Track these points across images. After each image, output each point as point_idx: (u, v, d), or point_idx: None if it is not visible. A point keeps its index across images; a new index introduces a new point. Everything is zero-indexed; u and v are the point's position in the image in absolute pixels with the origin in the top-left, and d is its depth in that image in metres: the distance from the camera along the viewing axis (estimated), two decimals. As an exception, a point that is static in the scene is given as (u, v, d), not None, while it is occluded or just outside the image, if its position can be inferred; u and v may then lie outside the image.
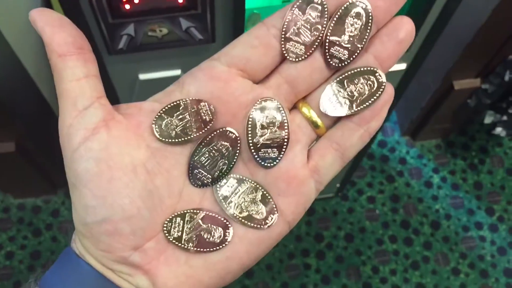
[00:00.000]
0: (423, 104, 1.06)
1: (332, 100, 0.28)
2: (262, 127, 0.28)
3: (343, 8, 0.27)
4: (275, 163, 0.28)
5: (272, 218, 0.27)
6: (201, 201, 0.28)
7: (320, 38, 0.27)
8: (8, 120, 0.83)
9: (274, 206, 0.28)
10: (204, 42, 0.59)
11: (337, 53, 0.27)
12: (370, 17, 0.27)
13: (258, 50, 0.27)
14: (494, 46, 0.89)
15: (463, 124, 1.16)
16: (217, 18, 0.57)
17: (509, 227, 1.13)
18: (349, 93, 0.27)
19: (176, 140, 0.27)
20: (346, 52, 0.27)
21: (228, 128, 0.28)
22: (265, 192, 0.28)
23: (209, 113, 0.27)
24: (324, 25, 0.27)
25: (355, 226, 1.13)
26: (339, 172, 0.29)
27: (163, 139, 0.27)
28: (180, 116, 0.27)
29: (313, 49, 0.27)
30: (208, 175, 0.28)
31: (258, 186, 0.28)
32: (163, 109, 0.27)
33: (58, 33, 0.25)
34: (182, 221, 0.27)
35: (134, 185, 0.26)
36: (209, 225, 0.27)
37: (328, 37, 0.27)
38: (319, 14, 0.28)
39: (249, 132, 0.28)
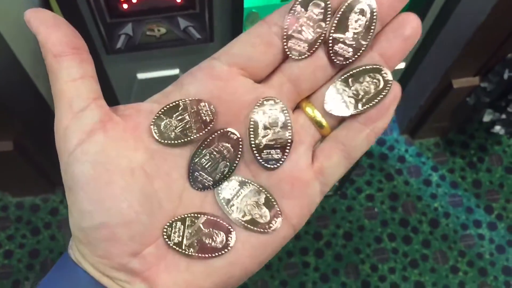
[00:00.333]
0: (422, 103, 1.06)
1: (337, 99, 0.27)
2: (265, 127, 0.27)
3: (346, 4, 0.26)
4: (278, 164, 0.27)
5: (276, 222, 0.27)
6: (202, 204, 0.27)
7: (323, 35, 0.26)
8: (6, 118, 0.83)
9: (278, 209, 0.27)
10: (203, 42, 0.59)
11: (341, 50, 0.27)
12: (375, 14, 0.26)
13: (260, 49, 0.27)
14: (493, 45, 0.89)
15: (462, 123, 1.16)
16: (215, 17, 0.56)
17: (507, 225, 1.13)
18: (354, 92, 0.27)
19: (176, 141, 0.26)
20: (350, 49, 0.26)
21: (229, 129, 0.27)
22: (268, 195, 0.27)
23: (210, 113, 0.26)
24: (327, 22, 0.27)
25: (354, 225, 1.13)
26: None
27: (162, 141, 0.26)
28: (180, 117, 0.26)
29: (316, 46, 0.27)
30: (209, 178, 0.27)
31: (261, 188, 0.27)
32: (162, 110, 0.26)
33: (53, 33, 0.24)
34: (182, 226, 0.26)
35: (132, 189, 0.25)
36: (211, 229, 0.26)
37: (331, 34, 0.27)
38: (322, 10, 0.27)
39: (251, 133, 0.27)
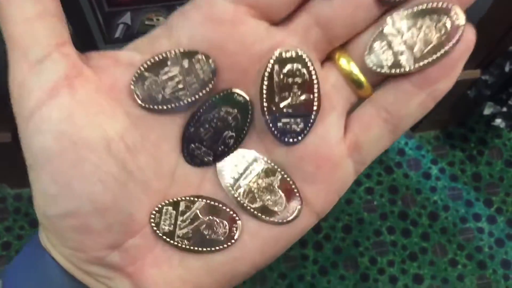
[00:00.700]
0: (422, 95, 1.05)
1: (384, 50, 0.20)
2: (283, 88, 0.20)
3: None
4: (299, 138, 0.21)
5: (294, 211, 0.21)
6: (200, 185, 0.22)
7: None
8: (4, 110, 0.82)
9: (298, 195, 0.21)
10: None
11: None
12: None
13: None
14: (495, 37, 0.88)
15: (463, 116, 1.15)
16: (215, 7, 0.56)
17: (507, 219, 1.13)
18: (409, 41, 0.19)
19: (164, 107, 0.20)
20: None
21: (235, 90, 0.21)
22: (285, 176, 0.21)
23: (208, 69, 0.20)
24: None
25: (353, 217, 1.12)
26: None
27: (147, 106, 0.20)
28: (169, 74, 0.20)
29: None
30: (209, 152, 0.21)
31: (276, 167, 0.21)
32: (145, 65, 0.20)
33: None
34: (174, 212, 0.21)
35: (108, 168, 0.20)
36: (211, 217, 0.21)
37: None
38: None
39: (265, 95, 0.20)
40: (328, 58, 0.21)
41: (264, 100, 0.21)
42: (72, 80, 0.19)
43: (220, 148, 0.21)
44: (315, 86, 0.20)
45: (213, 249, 0.21)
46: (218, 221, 0.21)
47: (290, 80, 0.20)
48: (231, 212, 0.21)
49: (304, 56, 0.20)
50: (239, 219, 0.21)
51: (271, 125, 0.21)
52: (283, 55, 0.20)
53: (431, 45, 0.19)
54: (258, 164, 0.21)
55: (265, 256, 0.22)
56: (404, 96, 0.20)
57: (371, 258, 1.10)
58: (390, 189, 1.15)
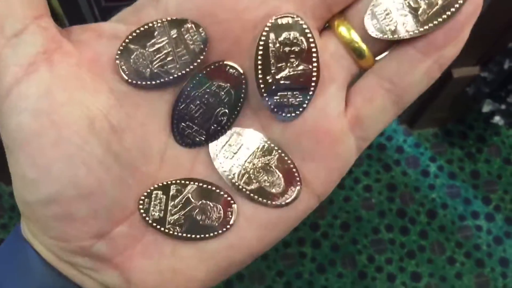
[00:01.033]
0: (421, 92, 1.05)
1: (385, 15, 0.18)
2: (279, 58, 0.19)
3: None
4: (297, 112, 0.20)
5: (293, 192, 0.20)
6: (192, 167, 0.20)
7: None
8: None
9: (296, 175, 0.20)
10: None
11: None
12: None
13: None
14: (494, 34, 0.88)
15: (461, 113, 1.15)
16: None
17: (505, 217, 1.13)
18: (412, 3, 0.18)
19: (152, 82, 0.19)
20: None
21: (227, 62, 0.20)
22: (283, 155, 0.20)
23: (199, 39, 0.19)
24: None
25: (351, 215, 1.12)
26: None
27: (133, 81, 0.19)
28: (156, 46, 0.19)
29: None
30: (201, 131, 0.20)
31: (273, 146, 0.20)
32: (130, 37, 0.19)
33: None
34: (165, 197, 0.20)
35: (91, 149, 0.18)
36: (204, 201, 0.20)
37: None
38: None
39: (260, 67, 0.19)
40: (326, 27, 0.20)
41: (259, 71, 0.19)
42: (51, 54, 0.18)
43: (212, 127, 0.20)
44: (314, 55, 0.19)
45: (207, 235, 0.20)
46: (212, 205, 0.20)
47: (287, 49, 0.19)
48: (226, 195, 0.20)
49: (302, 22, 0.19)
50: (234, 203, 0.20)
51: (267, 99, 0.19)
52: (279, 21, 0.19)
53: (436, 7, 0.18)
54: (253, 142, 0.20)
55: (263, 243, 0.20)
56: (408, 64, 0.19)
57: (369, 256, 1.10)
58: (388, 187, 1.15)
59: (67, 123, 0.18)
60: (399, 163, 1.17)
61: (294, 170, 0.20)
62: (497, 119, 1.01)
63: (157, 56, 0.19)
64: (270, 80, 0.19)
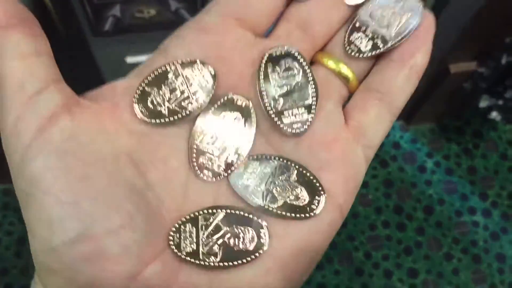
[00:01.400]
0: (418, 88, 1.04)
1: (361, 38, 0.22)
2: (280, 83, 0.21)
3: None
4: (306, 127, 0.21)
5: (319, 202, 0.20)
6: (216, 198, 0.21)
7: None
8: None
9: (318, 185, 0.20)
10: (195, 24, 0.57)
11: None
12: None
13: None
14: (491, 29, 0.87)
15: (458, 108, 1.15)
16: (208, -2, 0.54)
17: (502, 212, 1.13)
18: (380, 26, 0.22)
19: (171, 118, 0.20)
20: None
21: (235, 96, 0.21)
22: (301, 169, 0.21)
23: (209, 75, 0.21)
24: None
25: (348, 212, 1.12)
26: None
27: (152, 120, 0.20)
28: (171, 86, 0.21)
29: None
30: (219, 162, 0.21)
31: (289, 163, 0.21)
32: (146, 81, 0.20)
33: None
34: (194, 228, 0.19)
35: (118, 184, 0.18)
36: (234, 226, 0.20)
37: None
38: None
39: (264, 94, 0.21)
40: (312, 63, 0.23)
41: (265, 97, 0.21)
42: (71, 107, 0.19)
43: (229, 156, 0.21)
44: (310, 75, 0.21)
45: (243, 261, 0.19)
46: (243, 229, 0.20)
47: (285, 74, 0.21)
48: (255, 218, 0.20)
49: (293, 51, 0.22)
50: (265, 223, 0.20)
51: (276, 119, 0.21)
52: (274, 54, 0.21)
53: (399, 26, 0.22)
54: (270, 164, 0.21)
55: (299, 264, 0.20)
56: (389, 73, 0.22)
57: (365, 252, 1.09)
58: (385, 183, 1.14)
59: (93, 161, 0.18)
60: (396, 159, 1.16)
61: (315, 181, 0.21)
62: (494, 114, 1.00)
63: (173, 95, 0.21)
64: (275, 103, 0.21)
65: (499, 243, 1.10)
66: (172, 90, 0.21)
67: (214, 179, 0.21)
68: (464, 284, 1.07)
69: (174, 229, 0.19)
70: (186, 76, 0.21)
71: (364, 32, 0.22)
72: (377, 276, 1.07)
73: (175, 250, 0.19)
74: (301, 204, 0.20)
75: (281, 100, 0.21)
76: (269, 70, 0.21)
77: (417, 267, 1.09)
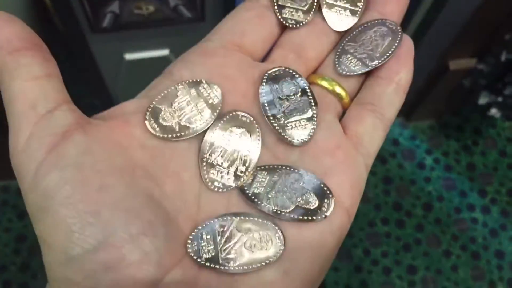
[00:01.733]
0: (417, 85, 1.04)
1: (350, 60, 0.24)
2: (281, 99, 0.23)
3: None
4: (309, 136, 0.22)
5: (328, 205, 0.21)
6: (228, 207, 0.21)
7: (316, 1, 0.25)
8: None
9: (325, 189, 0.21)
10: (193, 21, 0.57)
11: (338, 14, 0.25)
12: None
13: (253, 22, 0.24)
14: (491, 26, 0.87)
15: (458, 105, 1.15)
16: (207, -5, 0.54)
17: (501, 209, 1.13)
18: (366, 48, 0.25)
19: (181, 133, 0.21)
20: (348, 12, 0.25)
21: (239, 112, 0.22)
22: (308, 175, 0.22)
23: (215, 94, 0.22)
24: None
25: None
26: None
27: (163, 136, 0.21)
28: (181, 104, 0.22)
29: (311, 13, 0.25)
30: (229, 174, 0.22)
31: (296, 170, 0.22)
32: (156, 99, 0.22)
33: (7, 28, 0.19)
34: (211, 235, 0.20)
35: (136, 192, 0.19)
36: (250, 232, 0.21)
37: (324, 0, 0.25)
38: None
39: (267, 109, 0.23)
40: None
41: (268, 113, 0.23)
42: (83, 125, 0.20)
43: (238, 168, 0.22)
44: (308, 90, 0.23)
45: (262, 264, 0.20)
46: (259, 233, 0.21)
47: (285, 90, 0.23)
48: (269, 222, 0.21)
49: (290, 71, 0.24)
50: (278, 228, 0.21)
51: (280, 131, 0.23)
52: (273, 73, 0.23)
53: (383, 47, 0.24)
54: (278, 172, 0.22)
55: (315, 265, 0.21)
56: (378, 88, 0.24)
57: (364, 249, 1.09)
58: (384, 180, 1.14)
59: (110, 172, 0.19)
60: (395, 156, 1.16)
61: (322, 185, 0.22)
62: (493, 111, 1.00)
63: (182, 111, 0.22)
64: (278, 117, 0.23)
65: (498, 240, 1.10)
66: (181, 108, 0.22)
67: (225, 190, 0.22)
68: (463, 281, 1.07)
69: (191, 237, 0.20)
70: (193, 94, 0.22)
71: (352, 53, 0.24)
72: (376, 273, 1.07)
73: (194, 257, 0.20)
74: (311, 208, 0.21)
75: (284, 114, 0.23)
76: (270, 87, 0.23)
77: (416, 264, 1.09)
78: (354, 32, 0.25)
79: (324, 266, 0.21)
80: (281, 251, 0.20)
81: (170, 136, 0.21)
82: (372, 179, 1.14)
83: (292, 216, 0.21)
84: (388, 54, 0.24)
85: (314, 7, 0.25)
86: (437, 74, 0.99)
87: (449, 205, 1.13)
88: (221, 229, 0.20)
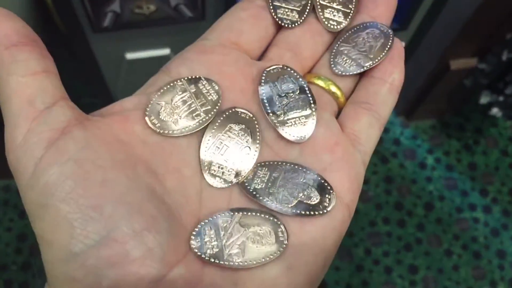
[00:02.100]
0: (418, 84, 1.04)
1: (345, 60, 0.25)
2: (280, 96, 0.23)
3: None
4: (308, 133, 0.23)
5: (329, 199, 0.21)
6: (229, 203, 0.21)
7: (309, 2, 0.26)
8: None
9: (326, 184, 0.22)
10: (194, 20, 0.57)
11: (332, 15, 0.26)
12: None
13: (249, 21, 0.24)
14: (492, 25, 0.87)
15: (459, 105, 1.14)
16: (208, -6, 0.54)
17: (502, 209, 1.13)
18: (360, 49, 0.25)
19: (181, 130, 0.21)
20: (340, 13, 0.26)
21: (238, 109, 0.22)
22: (308, 171, 0.22)
23: (214, 90, 0.22)
24: None
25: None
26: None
27: (165, 131, 0.21)
28: (181, 100, 0.22)
29: (306, 14, 0.26)
30: (229, 169, 0.22)
31: (296, 166, 0.22)
32: (156, 95, 0.22)
33: (4, 23, 0.19)
34: (215, 231, 0.20)
35: (138, 186, 0.18)
36: (253, 227, 0.20)
37: (318, 1, 0.26)
38: None
39: (267, 106, 0.23)
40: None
41: (268, 110, 0.23)
42: (82, 121, 0.19)
43: (239, 163, 0.22)
44: (306, 87, 0.24)
45: (267, 259, 0.20)
46: (263, 228, 0.21)
47: (284, 87, 0.23)
48: (272, 218, 0.21)
49: (288, 69, 0.24)
50: (281, 223, 0.21)
51: (280, 128, 0.23)
52: (272, 71, 0.24)
53: (376, 48, 0.25)
54: (279, 168, 0.22)
55: (318, 259, 0.21)
56: (373, 88, 0.24)
57: (366, 248, 1.09)
58: (385, 179, 1.14)
59: (111, 167, 0.18)
60: (396, 156, 1.16)
61: (323, 181, 0.22)
62: (495, 111, 1.00)
63: (182, 107, 0.22)
64: (278, 113, 0.23)
65: (499, 239, 1.10)
66: (181, 104, 0.22)
67: (226, 185, 0.22)
68: (464, 280, 1.07)
69: (195, 232, 0.20)
70: (193, 91, 0.22)
71: (347, 54, 0.25)
72: (377, 273, 1.07)
73: (198, 253, 0.19)
74: (313, 203, 0.21)
75: (283, 111, 0.23)
76: (270, 85, 0.23)
77: (417, 264, 1.09)
78: (347, 34, 0.26)
79: (326, 261, 0.21)
80: (284, 246, 0.20)
81: (170, 132, 0.21)
82: (373, 179, 1.14)
83: (294, 211, 0.21)
84: (382, 54, 0.25)
85: (308, 7, 0.26)
86: (438, 74, 0.99)
87: (450, 205, 1.13)
88: (225, 225, 0.20)
